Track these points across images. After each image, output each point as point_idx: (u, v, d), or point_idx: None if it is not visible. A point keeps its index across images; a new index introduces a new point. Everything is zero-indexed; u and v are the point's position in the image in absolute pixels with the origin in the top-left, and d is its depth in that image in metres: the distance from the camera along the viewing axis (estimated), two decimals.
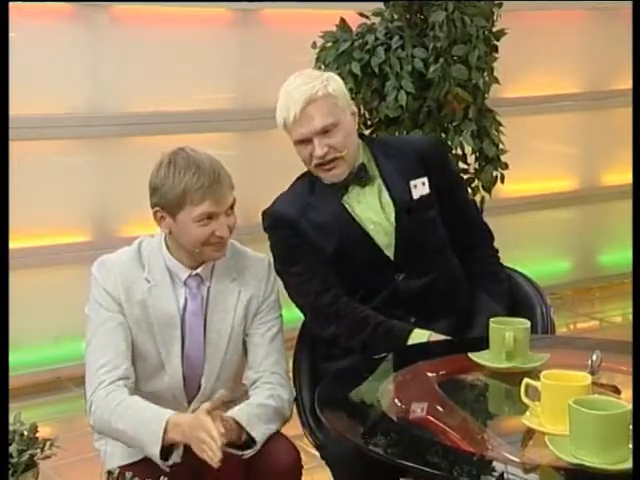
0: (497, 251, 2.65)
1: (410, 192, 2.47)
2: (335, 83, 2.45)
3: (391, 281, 2.45)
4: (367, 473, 2.05)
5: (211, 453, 1.96)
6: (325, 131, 2.38)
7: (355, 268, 2.46)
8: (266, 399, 2.21)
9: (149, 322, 2.21)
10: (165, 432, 2.03)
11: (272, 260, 2.39)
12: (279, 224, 2.50)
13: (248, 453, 2.12)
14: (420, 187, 2.48)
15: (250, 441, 2.12)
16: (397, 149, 2.54)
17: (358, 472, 2.11)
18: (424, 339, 2.35)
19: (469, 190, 2.71)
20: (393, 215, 2.45)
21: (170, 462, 2.07)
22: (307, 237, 2.45)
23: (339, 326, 2.42)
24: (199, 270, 2.24)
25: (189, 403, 2.26)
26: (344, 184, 2.46)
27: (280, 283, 2.43)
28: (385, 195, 2.48)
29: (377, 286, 2.45)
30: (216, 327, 2.25)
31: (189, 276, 2.24)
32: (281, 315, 2.35)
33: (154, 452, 2.05)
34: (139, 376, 2.23)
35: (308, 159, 2.44)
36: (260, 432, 2.13)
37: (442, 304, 2.47)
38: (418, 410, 1.96)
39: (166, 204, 2.15)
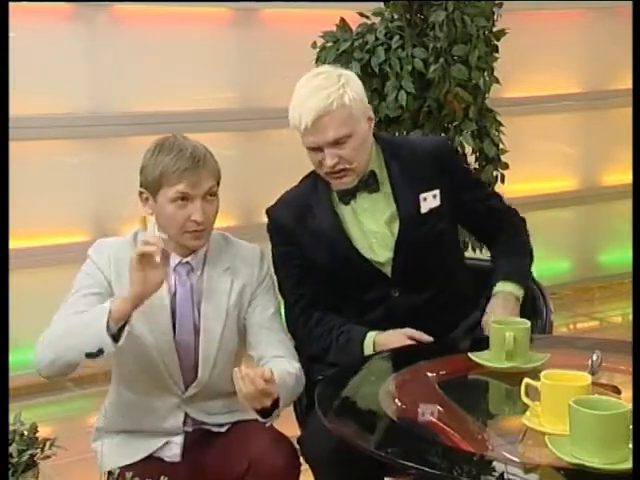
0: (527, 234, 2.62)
1: (419, 205, 2.39)
2: (352, 89, 2.32)
3: (386, 297, 2.40)
4: (350, 472, 2.06)
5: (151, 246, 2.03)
6: (337, 142, 2.30)
7: (346, 284, 2.42)
8: (289, 367, 2.22)
9: None
10: (110, 313, 2.04)
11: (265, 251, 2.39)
12: (276, 230, 2.49)
13: (268, 420, 2.13)
14: (430, 200, 2.40)
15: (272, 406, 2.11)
16: (412, 154, 2.44)
17: (341, 471, 2.10)
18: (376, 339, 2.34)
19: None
20: (397, 229, 2.39)
21: (121, 341, 2.05)
22: (302, 245, 2.43)
23: (304, 336, 2.44)
24: (189, 259, 2.27)
25: (186, 389, 2.26)
26: (352, 191, 2.39)
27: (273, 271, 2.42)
28: (392, 206, 2.40)
29: (371, 302, 2.40)
30: (210, 314, 2.25)
31: (178, 263, 2.26)
32: (277, 298, 2.37)
33: (100, 328, 2.03)
34: (137, 366, 2.22)
35: (318, 165, 2.37)
36: (284, 398, 2.13)
37: (443, 318, 2.40)
38: (418, 410, 1.96)
39: (148, 185, 2.22)
